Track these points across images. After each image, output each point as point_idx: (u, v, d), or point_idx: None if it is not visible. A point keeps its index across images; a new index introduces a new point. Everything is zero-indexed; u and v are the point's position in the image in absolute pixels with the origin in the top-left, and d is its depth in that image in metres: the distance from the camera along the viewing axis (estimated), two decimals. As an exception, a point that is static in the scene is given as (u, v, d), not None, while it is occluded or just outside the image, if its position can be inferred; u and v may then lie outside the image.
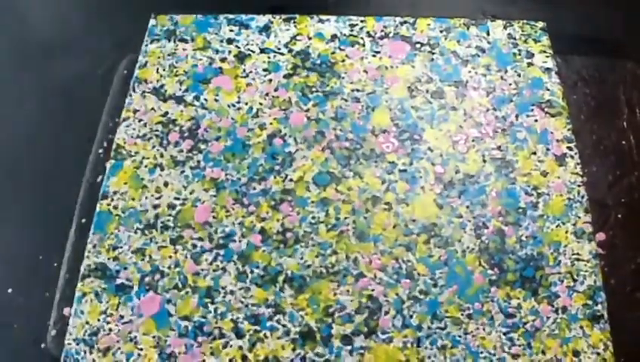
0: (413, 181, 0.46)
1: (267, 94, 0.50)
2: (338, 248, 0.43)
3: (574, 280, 0.42)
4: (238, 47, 0.52)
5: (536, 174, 0.46)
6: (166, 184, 0.46)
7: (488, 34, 0.53)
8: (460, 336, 0.40)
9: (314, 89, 0.50)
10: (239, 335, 0.40)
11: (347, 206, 0.45)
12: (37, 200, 0.48)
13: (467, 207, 0.45)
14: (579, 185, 0.46)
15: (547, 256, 0.43)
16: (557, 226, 0.44)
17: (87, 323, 0.41)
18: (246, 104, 0.49)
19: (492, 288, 0.42)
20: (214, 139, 0.48)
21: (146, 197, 0.45)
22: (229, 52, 0.52)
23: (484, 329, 0.40)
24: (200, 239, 0.44)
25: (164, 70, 0.51)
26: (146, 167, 0.47)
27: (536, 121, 0.48)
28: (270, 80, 0.51)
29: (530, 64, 0.51)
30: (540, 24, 0.53)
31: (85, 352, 0.40)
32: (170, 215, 0.45)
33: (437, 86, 0.50)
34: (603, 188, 0.47)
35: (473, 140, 0.48)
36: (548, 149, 0.47)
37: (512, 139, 0.48)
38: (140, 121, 0.49)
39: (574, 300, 0.41)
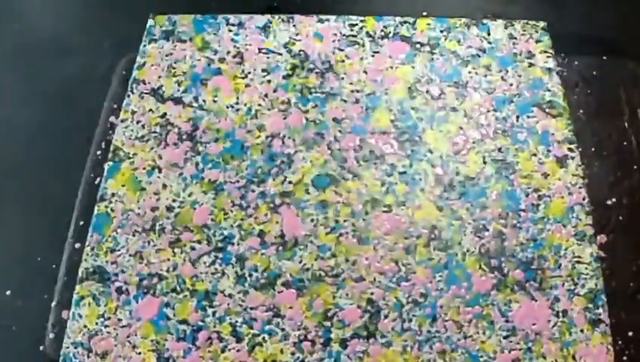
0: (413, 183, 0.45)
1: (266, 95, 0.50)
2: (337, 251, 0.43)
3: (575, 284, 0.42)
4: (237, 48, 0.52)
5: (536, 176, 0.46)
6: (164, 186, 0.46)
7: (489, 34, 0.52)
8: (459, 340, 0.40)
9: (313, 90, 0.50)
10: (238, 339, 0.40)
11: (346, 208, 0.44)
12: (35, 202, 0.48)
13: (467, 209, 0.44)
14: (580, 187, 0.45)
15: (548, 258, 0.43)
16: (558, 228, 0.44)
17: (85, 326, 0.41)
18: (245, 105, 0.49)
19: (492, 291, 0.41)
20: (213, 141, 0.47)
21: (144, 200, 0.45)
22: (228, 52, 0.52)
23: (484, 333, 0.40)
24: (198, 242, 0.43)
25: (162, 71, 0.51)
26: (144, 169, 0.46)
27: (537, 122, 0.48)
28: (269, 81, 0.50)
29: (531, 64, 0.51)
30: (541, 24, 0.53)
31: (83, 356, 0.40)
32: (168, 217, 0.44)
33: (437, 87, 0.50)
34: (604, 190, 0.47)
35: (473, 142, 0.47)
36: (549, 151, 0.47)
37: (512, 141, 0.47)
38: (138, 122, 0.48)
39: (575, 303, 0.41)
